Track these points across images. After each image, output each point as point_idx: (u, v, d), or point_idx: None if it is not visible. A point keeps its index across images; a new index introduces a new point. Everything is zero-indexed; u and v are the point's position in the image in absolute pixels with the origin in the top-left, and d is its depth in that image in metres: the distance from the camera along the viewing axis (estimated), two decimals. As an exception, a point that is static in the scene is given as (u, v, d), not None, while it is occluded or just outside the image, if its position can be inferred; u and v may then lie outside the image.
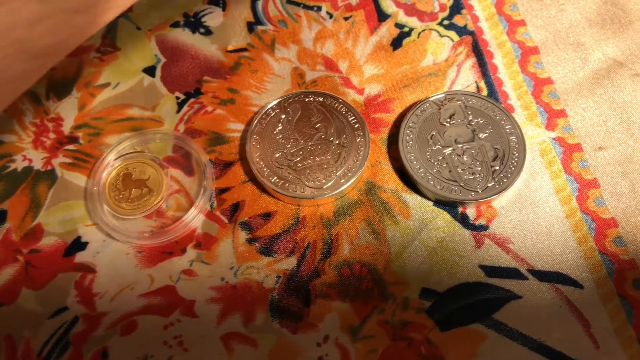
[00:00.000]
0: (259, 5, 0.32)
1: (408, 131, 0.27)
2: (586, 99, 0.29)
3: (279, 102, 0.28)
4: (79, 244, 0.26)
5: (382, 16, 0.31)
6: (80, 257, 0.26)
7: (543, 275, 0.25)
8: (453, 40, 0.31)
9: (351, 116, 0.28)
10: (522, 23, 0.31)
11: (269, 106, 0.28)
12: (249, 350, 0.24)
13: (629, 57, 0.30)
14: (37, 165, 0.28)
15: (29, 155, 0.28)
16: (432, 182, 0.26)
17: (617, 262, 0.25)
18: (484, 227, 0.26)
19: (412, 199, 0.27)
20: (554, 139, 0.28)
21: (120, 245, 0.26)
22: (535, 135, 0.28)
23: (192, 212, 0.26)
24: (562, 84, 0.29)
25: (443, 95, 0.28)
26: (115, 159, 0.27)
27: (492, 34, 0.31)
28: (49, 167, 0.28)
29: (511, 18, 0.31)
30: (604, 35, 0.31)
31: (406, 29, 0.31)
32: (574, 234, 0.25)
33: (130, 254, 0.26)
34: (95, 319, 0.24)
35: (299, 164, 0.27)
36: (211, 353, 0.24)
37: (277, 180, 0.26)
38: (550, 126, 0.28)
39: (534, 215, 0.26)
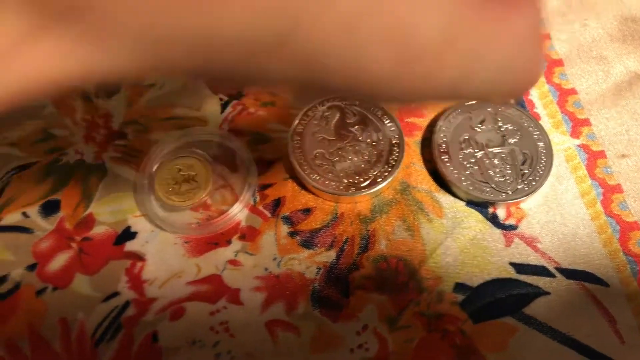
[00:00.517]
0: (298, 14, 0.34)
1: (441, 134, 0.29)
2: (609, 110, 0.30)
3: (319, 105, 0.30)
4: (128, 234, 0.27)
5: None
6: (130, 245, 0.27)
7: (570, 273, 0.26)
8: (482, 51, 0.32)
9: (387, 119, 0.29)
10: (547, 37, 0.33)
11: (309, 107, 0.30)
12: (292, 337, 0.25)
13: (649, 71, 0.31)
14: (89, 158, 0.29)
15: (81, 149, 0.30)
16: (465, 183, 0.27)
17: (640, 263, 0.26)
18: (514, 227, 0.27)
19: (445, 199, 0.28)
20: (578, 146, 0.29)
21: (168, 236, 0.27)
22: (561, 142, 0.29)
23: (237, 206, 0.27)
24: (585, 94, 0.31)
25: (475, 101, 0.30)
26: (165, 154, 0.29)
27: (518, 46, 0.32)
28: (100, 161, 0.29)
29: (537, 32, 0.33)
30: (625, 49, 0.32)
31: (438, 40, 0.33)
32: (599, 236, 0.27)
33: (178, 244, 0.27)
34: (145, 304, 0.26)
35: (337, 164, 0.28)
36: (256, 339, 0.25)
37: (317, 178, 0.28)
38: (575, 134, 0.30)
39: (560, 217, 0.27)
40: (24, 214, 0.28)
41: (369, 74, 0.12)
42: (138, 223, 0.28)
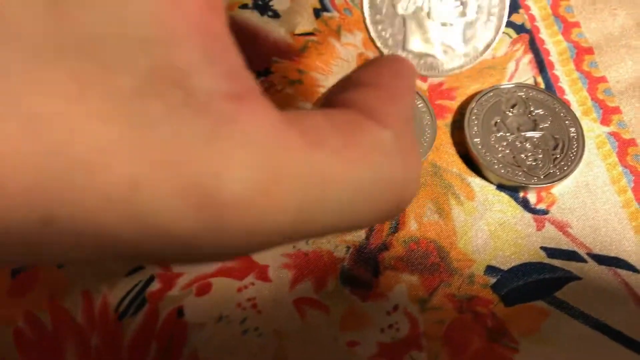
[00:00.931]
0: (325, -7, 0.33)
1: (473, 117, 0.28)
2: (639, 99, 0.30)
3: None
4: (153, 208, 0.27)
5: (444, 10, 0.33)
6: (155, 219, 0.26)
7: (602, 259, 0.26)
8: (511, 37, 0.32)
9: (418, 100, 0.29)
10: (577, 25, 0.33)
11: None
12: (321, 315, 0.24)
13: (678, 62, 0.31)
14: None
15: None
16: (496, 167, 0.27)
17: (671, 251, 0.26)
18: (545, 212, 0.27)
19: (476, 182, 0.28)
20: (609, 133, 0.29)
21: (194, 211, 0.27)
22: (591, 129, 0.29)
23: (265, 182, 0.27)
24: (616, 83, 0.31)
25: (506, 85, 0.29)
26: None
27: (547, 33, 0.32)
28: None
29: (566, 19, 0.33)
30: (654, 40, 0.32)
31: (467, 24, 0.32)
32: (630, 223, 0.27)
33: (204, 219, 0.26)
34: (171, 278, 0.25)
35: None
36: (284, 316, 0.24)
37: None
38: (605, 121, 0.29)
39: (591, 203, 0.27)
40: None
41: (168, 235, 0.10)
42: (163, 197, 0.27)
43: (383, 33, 0.18)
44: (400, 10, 0.18)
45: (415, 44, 0.18)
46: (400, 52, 0.18)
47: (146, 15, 0.10)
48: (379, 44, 0.18)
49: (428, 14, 0.18)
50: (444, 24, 0.18)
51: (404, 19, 0.18)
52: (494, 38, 0.18)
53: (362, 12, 0.18)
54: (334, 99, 0.14)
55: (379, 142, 0.13)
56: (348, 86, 0.15)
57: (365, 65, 0.16)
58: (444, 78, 0.30)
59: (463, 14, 0.18)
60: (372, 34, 0.18)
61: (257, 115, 0.10)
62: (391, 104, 0.14)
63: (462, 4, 0.18)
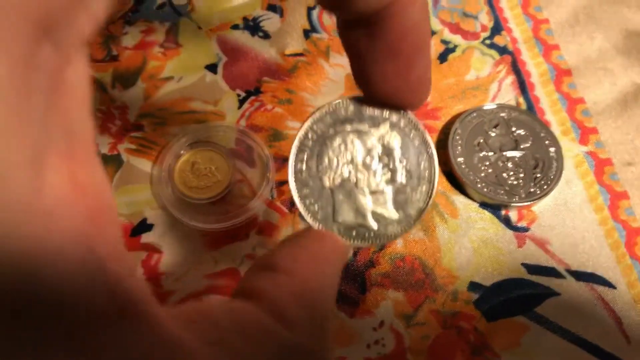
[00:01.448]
0: (315, 14, 0.34)
1: (457, 137, 0.30)
2: (615, 120, 0.31)
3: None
4: (145, 226, 0.27)
5: (429, 32, 0.34)
6: (147, 237, 0.27)
7: (579, 275, 0.27)
8: (494, 59, 0.33)
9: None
10: (557, 47, 0.34)
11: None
12: (310, 331, 0.25)
13: (652, 84, 0.33)
14: (104, 149, 0.29)
15: (96, 139, 0.29)
16: (479, 185, 0.28)
17: (646, 267, 0.27)
18: (525, 229, 0.28)
19: (460, 200, 0.29)
20: (587, 152, 0.30)
21: (185, 229, 0.27)
22: (570, 149, 0.30)
23: (255, 200, 0.28)
24: (593, 104, 0.32)
25: (489, 106, 0.31)
26: (184, 147, 0.29)
27: (529, 55, 0.33)
28: (115, 152, 0.29)
29: (546, 42, 0.34)
30: (630, 63, 0.33)
31: (451, 45, 0.33)
32: (606, 240, 0.28)
33: (196, 237, 0.27)
34: (162, 296, 0.26)
35: (355, 162, 0.28)
36: (273, 332, 0.25)
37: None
38: (583, 141, 0.31)
39: (570, 221, 0.28)
40: (38, 203, 0.28)
41: None
42: (155, 215, 0.28)
43: (312, 207, 0.17)
44: (327, 182, 0.17)
45: (346, 215, 0.17)
46: (331, 225, 0.17)
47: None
48: (308, 218, 0.17)
49: (356, 184, 0.17)
50: (373, 192, 0.17)
51: (331, 191, 0.17)
52: (427, 202, 0.18)
53: (290, 187, 0.17)
54: (248, 284, 0.14)
55: (284, 348, 0.12)
56: (265, 268, 0.14)
57: (287, 243, 0.16)
58: (429, 99, 0.31)
59: (392, 180, 0.17)
60: (300, 208, 0.17)
61: (144, 331, 0.10)
62: (303, 302, 0.13)
63: (390, 170, 0.17)
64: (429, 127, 0.31)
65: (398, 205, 0.17)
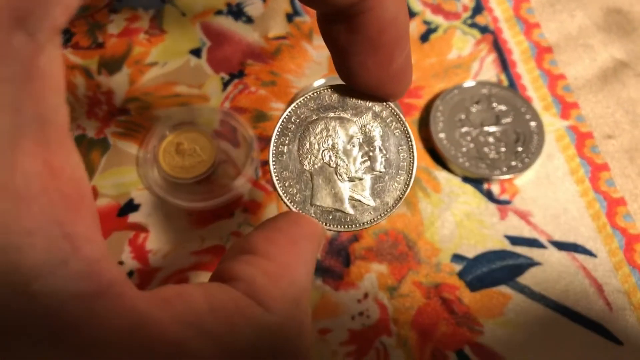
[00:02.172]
0: (298, -2, 0.35)
1: (438, 114, 0.30)
2: (596, 94, 0.32)
3: (322, 84, 0.31)
4: (131, 206, 0.28)
5: (410, 13, 0.34)
6: (134, 217, 0.27)
7: (561, 245, 0.27)
8: (475, 38, 0.34)
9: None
10: (537, 25, 0.34)
11: (313, 87, 0.30)
12: (295, 304, 0.25)
13: (633, 60, 0.33)
14: (91, 133, 0.30)
15: (83, 124, 0.30)
16: (461, 160, 0.28)
17: (627, 236, 0.27)
18: (508, 202, 0.28)
19: (442, 175, 0.29)
20: (568, 127, 0.31)
21: (171, 208, 0.28)
22: (552, 123, 0.31)
23: (240, 180, 0.28)
24: (574, 80, 0.32)
25: (470, 83, 0.31)
26: (168, 129, 0.29)
27: (510, 33, 0.34)
28: (102, 136, 0.30)
29: (527, 20, 0.34)
30: (610, 39, 0.34)
31: (433, 26, 0.34)
32: (587, 211, 0.28)
33: (182, 216, 0.27)
34: (150, 273, 0.26)
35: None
36: (259, 307, 0.25)
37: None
38: (564, 116, 0.31)
39: (552, 193, 0.29)
40: (26, 186, 0.28)
41: None
42: (141, 196, 0.28)
43: (290, 189, 0.17)
44: (307, 166, 0.18)
45: (324, 199, 0.17)
46: (308, 208, 0.17)
47: None
48: (286, 200, 0.17)
49: (335, 170, 0.18)
50: (351, 179, 0.18)
51: (311, 175, 0.17)
52: (404, 192, 0.18)
53: (269, 169, 0.18)
54: (225, 267, 0.14)
55: (260, 328, 0.12)
56: (242, 252, 0.15)
57: (263, 227, 0.16)
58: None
59: (371, 169, 0.18)
60: (279, 190, 0.17)
61: (117, 309, 0.11)
62: (280, 283, 0.14)
63: (369, 158, 0.18)
64: (412, 105, 0.31)
65: (375, 193, 0.18)
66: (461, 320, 0.25)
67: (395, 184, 0.18)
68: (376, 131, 0.18)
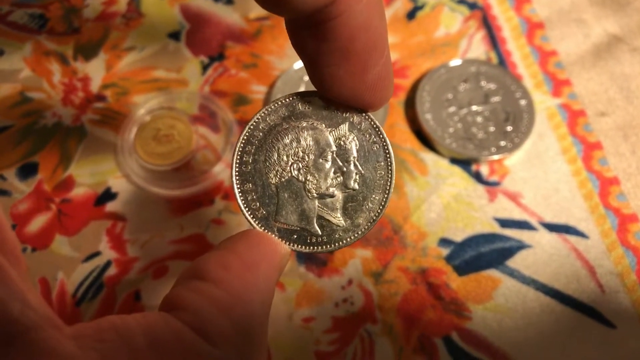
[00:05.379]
0: (280, -22, 0.33)
1: (425, 94, 0.29)
2: (588, 71, 0.31)
3: (301, 67, 0.30)
4: (109, 194, 0.27)
5: (397, -9, 0.33)
6: (111, 206, 0.27)
7: (552, 227, 0.26)
8: (464, 15, 0.32)
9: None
10: (528, 0, 0.33)
11: (294, 69, 0.29)
12: (277, 292, 0.25)
13: (627, 34, 0.32)
14: (67, 121, 0.29)
15: (59, 112, 0.29)
16: (448, 141, 0.28)
17: (620, 216, 0.26)
18: (497, 183, 0.27)
19: (429, 157, 0.28)
20: (560, 105, 0.30)
21: (150, 196, 0.27)
22: (543, 101, 0.30)
23: (219, 166, 0.27)
24: (566, 56, 0.31)
25: (457, 62, 0.30)
26: (146, 115, 0.28)
27: (500, 9, 0.33)
28: (78, 123, 0.29)
29: (518, -4, 0.33)
30: (604, 13, 0.33)
31: (420, 3, 0.33)
32: (579, 191, 0.27)
33: (160, 204, 0.27)
34: (127, 263, 0.25)
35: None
36: (240, 295, 0.25)
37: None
38: (556, 93, 0.30)
39: (542, 173, 0.28)
40: (1, 177, 0.27)
41: None
42: (119, 184, 0.27)
43: (253, 204, 0.16)
44: (273, 179, 0.16)
45: (289, 216, 0.16)
46: (271, 225, 0.16)
47: None
48: (247, 215, 0.16)
49: (304, 185, 0.16)
50: (321, 196, 0.16)
51: (277, 189, 0.16)
52: (379, 213, 0.16)
53: (231, 180, 0.16)
54: (174, 294, 0.13)
55: None
56: (194, 276, 0.13)
57: (219, 247, 0.14)
58: (398, 57, 0.31)
59: (344, 186, 0.16)
60: (240, 204, 0.16)
61: (34, 354, 0.10)
62: (230, 314, 0.12)
63: (343, 174, 0.16)
64: (398, 85, 0.30)
65: (347, 213, 0.16)
66: (448, 305, 0.25)
67: (370, 204, 0.16)
68: (352, 144, 0.16)
